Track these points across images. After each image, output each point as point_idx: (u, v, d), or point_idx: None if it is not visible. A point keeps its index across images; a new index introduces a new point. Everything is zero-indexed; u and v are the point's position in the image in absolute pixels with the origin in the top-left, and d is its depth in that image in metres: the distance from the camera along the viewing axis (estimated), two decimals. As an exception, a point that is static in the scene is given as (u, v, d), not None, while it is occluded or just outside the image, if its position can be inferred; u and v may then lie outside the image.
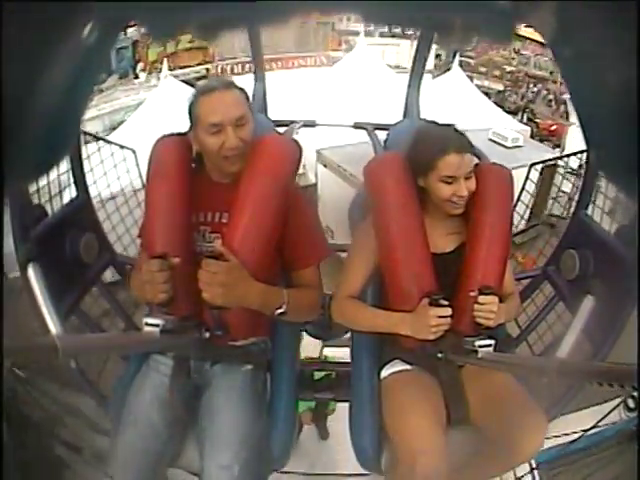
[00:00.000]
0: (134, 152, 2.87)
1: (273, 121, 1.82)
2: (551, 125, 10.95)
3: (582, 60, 0.32)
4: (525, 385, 1.25)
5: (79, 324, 1.51)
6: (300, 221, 1.24)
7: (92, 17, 0.32)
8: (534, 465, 1.53)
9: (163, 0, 0.33)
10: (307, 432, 1.82)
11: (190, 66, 11.88)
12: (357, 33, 9.14)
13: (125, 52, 11.59)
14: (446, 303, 1.15)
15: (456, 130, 1.21)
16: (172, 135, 1.28)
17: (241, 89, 1.21)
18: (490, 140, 6.45)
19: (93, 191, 1.80)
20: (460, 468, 1.21)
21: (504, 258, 1.25)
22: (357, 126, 2.46)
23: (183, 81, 8.18)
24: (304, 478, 1.62)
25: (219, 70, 12.95)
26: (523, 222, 2.75)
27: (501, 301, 1.20)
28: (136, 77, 11.46)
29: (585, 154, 1.82)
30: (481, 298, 1.16)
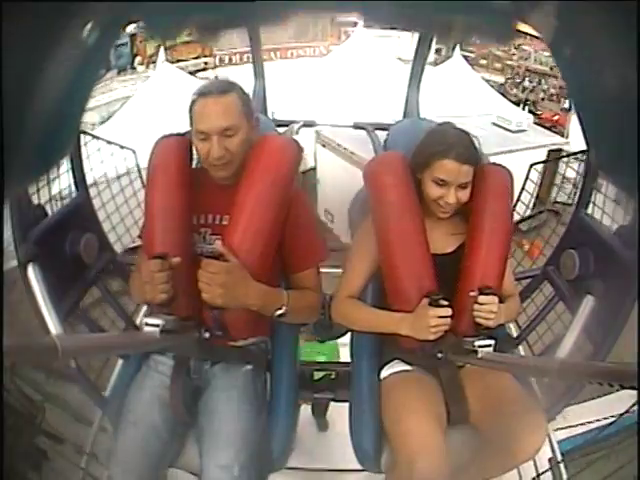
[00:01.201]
0: (134, 152, 2.87)
1: (273, 121, 1.82)
2: (553, 115, 10.79)
3: (582, 60, 0.32)
4: (525, 385, 1.26)
5: (79, 324, 1.51)
6: (300, 223, 1.24)
7: (92, 17, 0.32)
8: (559, 458, 1.51)
9: (163, 0, 0.33)
10: (305, 423, 1.80)
11: (188, 60, 11.82)
12: (355, 24, 9.07)
13: (123, 49, 11.54)
14: (446, 303, 1.15)
15: (468, 137, 1.20)
16: (172, 135, 1.28)
17: (241, 93, 1.19)
18: (494, 124, 6.37)
19: (93, 191, 1.79)
20: (460, 468, 1.21)
21: (504, 258, 1.25)
22: (357, 126, 2.46)
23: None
24: (302, 473, 1.61)
25: (217, 60, 12.92)
26: (528, 211, 2.73)
27: (501, 301, 1.20)
28: (134, 69, 11.44)
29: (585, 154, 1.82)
30: (481, 298, 1.17)
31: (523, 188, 2.31)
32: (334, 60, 8.60)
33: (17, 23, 0.27)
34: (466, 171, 1.17)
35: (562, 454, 1.54)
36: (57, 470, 1.49)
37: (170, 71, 7.52)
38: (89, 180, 1.69)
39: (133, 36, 11.30)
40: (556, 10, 0.31)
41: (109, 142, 2.48)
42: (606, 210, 1.58)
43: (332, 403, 1.67)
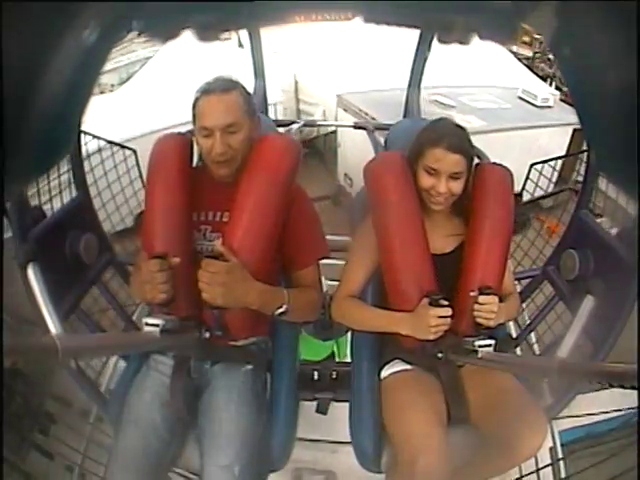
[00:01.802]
0: (134, 152, 2.87)
1: (273, 121, 1.82)
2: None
3: (582, 60, 0.32)
4: (525, 384, 1.25)
5: (79, 324, 1.51)
6: (300, 221, 1.24)
7: (92, 17, 0.32)
8: (559, 455, 1.51)
9: (163, 0, 0.33)
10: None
11: None
12: None
13: None
14: (446, 303, 1.15)
15: (462, 131, 1.20)
16: (172, 134, 1.29)
17: (244, 91, 1.21)
18: (519, 98, 6.32)
19: (93, 191, 1.80)
20: (460, 467, 1.21)
21: (504, 258, 1.25)
22: (357, 126, 2.46)
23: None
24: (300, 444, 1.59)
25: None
26: (551, 186, 2.68)
27: (501, 301, 1.20)
28: None
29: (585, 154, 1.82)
30: (481, 298, 1.17)
31: (524, 187, 2.30)
32: (358, 26, 8.55)
33: (17, 23, 0.27)
34: (457, 160, 1.17)
35: (563, 445, 1.54)
36: (62, 434, 1.49)
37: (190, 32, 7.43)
38: (89, 180, 1.69)
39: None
40: (556, 10, 0.31)
41: (109, 142, 2.48)
42: (606, 210, 1.58)
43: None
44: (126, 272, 1.75)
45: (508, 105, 5.90)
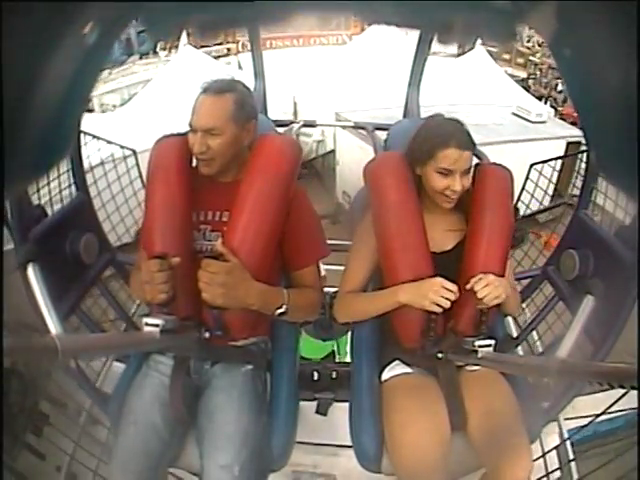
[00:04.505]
0: (134, 152, 2.87)
1: (273, 121, 1.82)
2: (575, 111, 10.72)
3: (582, 60, 0.32)
4: (525, 384, 1.25)
5: (79, 324, 1.51)
6: (300, 221, 1.24)
7: (92, 17, 0.32)
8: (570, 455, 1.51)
9: (163, 0, 0.33)
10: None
11: (211, 46, 11.81)
12: None
13: (146, 35, 11.53)
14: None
15: (461, 126, 1.21)
16: (172, 135, 1.29)
17: (240, 95, 1.19)
18: (514, 114, 6.36)
19: (93, 191, 1.79)
20: (461, 474, 1.21)
21: (504, 258, 1.25)
22: (357, 126, 2.46)
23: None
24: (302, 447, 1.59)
25: (240, 46, 13.02)
26: (547, 199, 2.70)
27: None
28: (156, 54, 11.44)
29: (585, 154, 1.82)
30: (481, 275, 1.15)
31: (524, 188, 2.30)
32: (354, 49, 8.62)
33: (17, 23, 0.27)
34: (468, 157, 1.18)
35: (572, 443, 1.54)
36: (55, 434, 1.48)
37: (191, 54, 7.39)
38: (89, 180, 1.69)
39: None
40: (556, 10, 0.31)
41: (109, 142, 2.48)
42: (606, 210, 1.58)
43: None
44: (126, 272, 1.75)
45: (502, 121, 5.94)
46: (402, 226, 1.22)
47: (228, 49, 12.19)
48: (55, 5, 0.29)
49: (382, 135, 1.99)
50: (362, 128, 2.31)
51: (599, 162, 0.35)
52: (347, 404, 1.38)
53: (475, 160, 1.26)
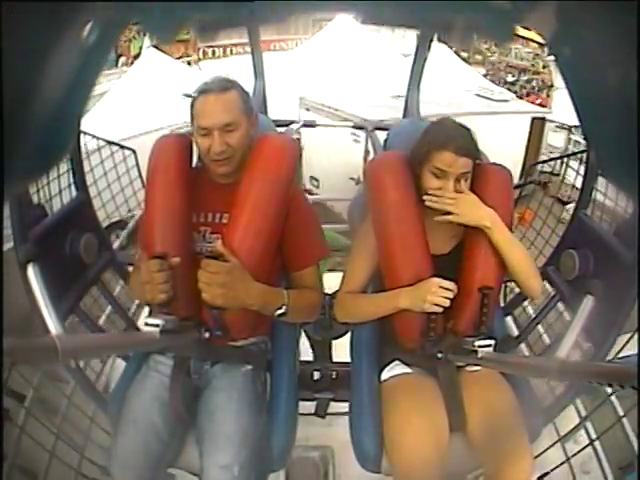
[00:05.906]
0: (134, 152, 2.87)
1: (273, 121, 1.82)
2: (535, 99, 10.83)
3: (582, 60, 0.32)
4: (525, 384, 1.25)
5: (79, 324, 1.51)
6: (299, 222, 1.24)
7: (92, 17, 0.32)
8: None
9: (163, 0, 0.33)
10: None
11: (172, 57, 11.87)
12: (330, 19, 8.99)
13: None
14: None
15: (467, 132, 1.20)
16: (172, 135, 1.29)
17: (241, 90, 1.21)
18: (477, 95, 6.48)
19: (93, 191, 1.80)
20: (460, 475, 1.21)
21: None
22: (357, 126, 2.46)
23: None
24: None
25: (201, 54, 13.26)
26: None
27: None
28: (116, 66, 11.39)
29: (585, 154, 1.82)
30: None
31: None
32: (305, 51, 8.68)
33: (17, 23, 0.27)
34: (464, 163, 1.16)
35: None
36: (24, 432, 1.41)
37: (154, 56, 7.30)
38: (89, 180, 1.69)
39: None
40: (556, 10, 0.31)
41: (109, 142, 2.48)
42: (606, 210, 1.58)
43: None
44: (126, 272, 1.75)
45: (467, 99, 6.03)
46: (402, 226, 1.22)
47: (189, 62, 12.32)
48: (55, 5, 0.29)
49: (382, 135, 2.00)
50: (361, 128, 2.32)
51: (599, 162, 0.35)
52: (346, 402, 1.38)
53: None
